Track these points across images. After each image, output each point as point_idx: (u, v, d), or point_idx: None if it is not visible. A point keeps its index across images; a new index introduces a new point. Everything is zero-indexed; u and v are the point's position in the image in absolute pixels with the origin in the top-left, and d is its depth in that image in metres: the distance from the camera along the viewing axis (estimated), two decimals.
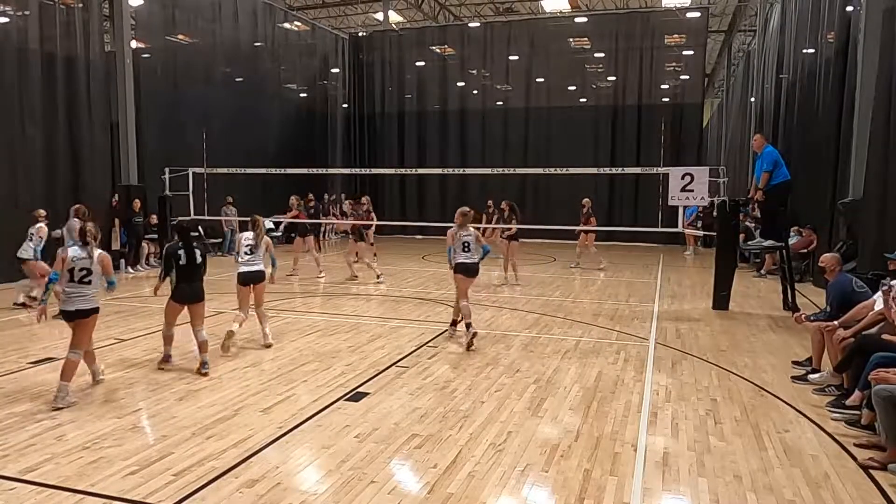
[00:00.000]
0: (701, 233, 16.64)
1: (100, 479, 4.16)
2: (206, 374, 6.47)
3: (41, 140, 13.16)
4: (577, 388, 6.19)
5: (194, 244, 6.79)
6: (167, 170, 14.12)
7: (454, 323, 8.39)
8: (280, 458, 4.54)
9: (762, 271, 14.31)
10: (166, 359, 6.84)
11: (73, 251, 5.84)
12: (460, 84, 24.40)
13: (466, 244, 8.04)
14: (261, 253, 7.91)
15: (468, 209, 8.26)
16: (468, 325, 7.79)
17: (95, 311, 5.83)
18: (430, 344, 7.87)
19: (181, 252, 6.64)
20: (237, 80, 19.91)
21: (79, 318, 5.76)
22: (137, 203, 14.34)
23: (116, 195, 14.69)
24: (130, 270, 14.05)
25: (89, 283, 5.80)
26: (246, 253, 7.83)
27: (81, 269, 5.76)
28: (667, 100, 22.57)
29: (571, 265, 15.29)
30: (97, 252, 5.89)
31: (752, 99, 21.55)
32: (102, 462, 4.42)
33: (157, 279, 6.93)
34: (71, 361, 5.70)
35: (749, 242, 11.75)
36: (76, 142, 13.93)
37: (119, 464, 4.39)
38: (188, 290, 6.67)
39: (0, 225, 12.33)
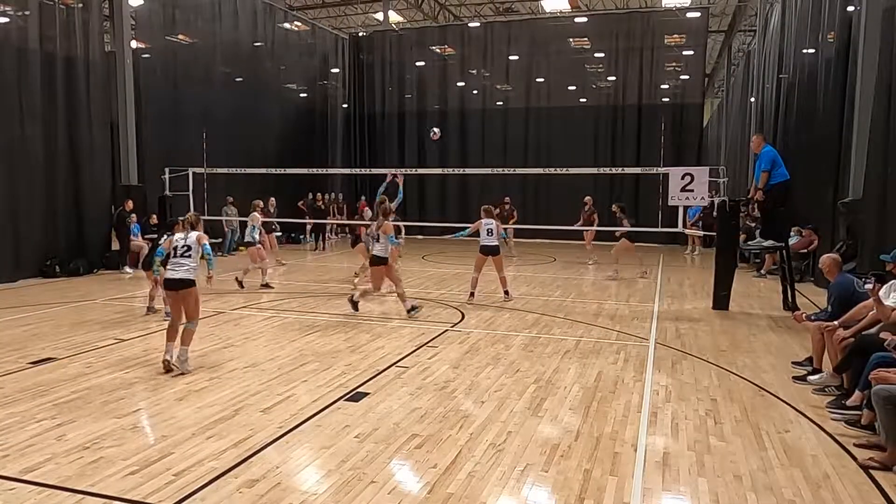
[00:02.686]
0: (702, 233, 16.64)
1: (100, 479, 4.16)
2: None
3: (41, 140, 13.14)
4: (577, 388, 6.19)
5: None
6: (167, 170, 14.11)
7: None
8: (280, 458, 4.54)
9: (762, 271, 14.30)
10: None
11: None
12: (460, 84, 24.37)
13: (490, 230, 10.59)
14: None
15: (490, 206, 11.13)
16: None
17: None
18: (430, 344, 7.87)
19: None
20: (237, 80, 19.87)
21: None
22: (130, 204, 14.33)
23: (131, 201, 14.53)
24: (129, 270, 14.04)
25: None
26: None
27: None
28: (667, 100, 22.54)
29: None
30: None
31: (752, 99, 21.53)
32: (102, 462, 4.42)
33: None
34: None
35: (749, 242, 11.74)
36: (76, 141, 13.90)
37: (119, 464, 4.39)
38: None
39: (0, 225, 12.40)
